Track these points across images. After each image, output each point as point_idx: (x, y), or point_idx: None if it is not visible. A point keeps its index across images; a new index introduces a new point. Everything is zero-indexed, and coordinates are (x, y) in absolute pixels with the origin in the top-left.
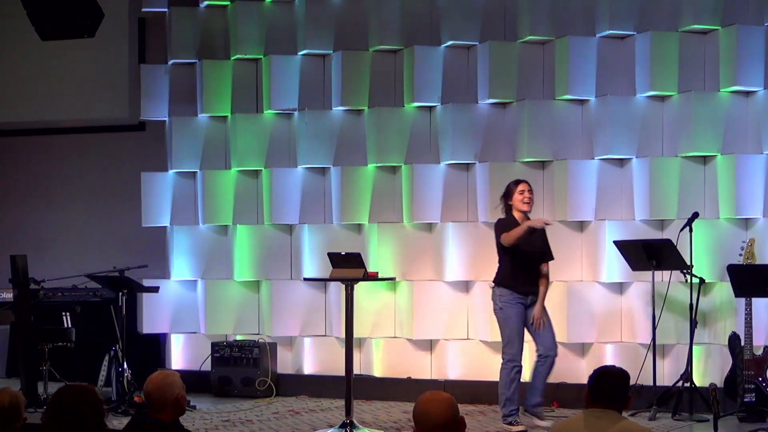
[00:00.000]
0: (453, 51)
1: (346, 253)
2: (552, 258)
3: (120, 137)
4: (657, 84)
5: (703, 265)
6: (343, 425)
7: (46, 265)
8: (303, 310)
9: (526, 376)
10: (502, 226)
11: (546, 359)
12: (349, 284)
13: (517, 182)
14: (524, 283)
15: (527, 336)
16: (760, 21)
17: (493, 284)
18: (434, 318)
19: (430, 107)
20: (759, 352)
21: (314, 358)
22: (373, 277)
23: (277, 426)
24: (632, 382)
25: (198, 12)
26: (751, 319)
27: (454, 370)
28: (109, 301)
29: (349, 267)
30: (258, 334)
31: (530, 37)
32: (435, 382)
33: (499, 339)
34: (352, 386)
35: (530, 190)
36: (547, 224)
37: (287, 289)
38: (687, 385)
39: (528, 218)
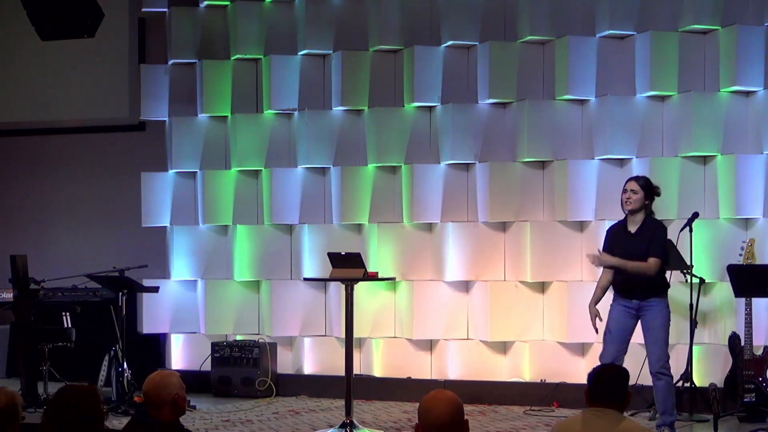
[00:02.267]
0: (453, 51)
1: (346, 253)
2: (654, 255)
3: (120, 137)
4: (657, 84)
5: (703, 265)
6: (343, 425)
7: (46, 265)
8: (303, 310)
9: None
10: (606, 236)
11: (654, 377)
12: (349, 284)
13: (626, 181)
14: (622, 286)
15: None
16: (760, 21)
17: None
18: (434, 318)
19: (430, 107)
20: (759, 352)
21: (314, 358)
22: (373, 277)
23: (277, 426)
24: (632, 381)
25: (198, 12)
26: (751, 319)
27: (454, 370)
28: (109, 301)
29: (349, 267)
30: (258, 334)
31: (530, 37)
32: (435, 382)
33: (499, 339)
34: (352, 386)
35: (633, 190)
36: (592, 262)
37: (287, 289)
38: (687, 385)
39: (650, 218)
